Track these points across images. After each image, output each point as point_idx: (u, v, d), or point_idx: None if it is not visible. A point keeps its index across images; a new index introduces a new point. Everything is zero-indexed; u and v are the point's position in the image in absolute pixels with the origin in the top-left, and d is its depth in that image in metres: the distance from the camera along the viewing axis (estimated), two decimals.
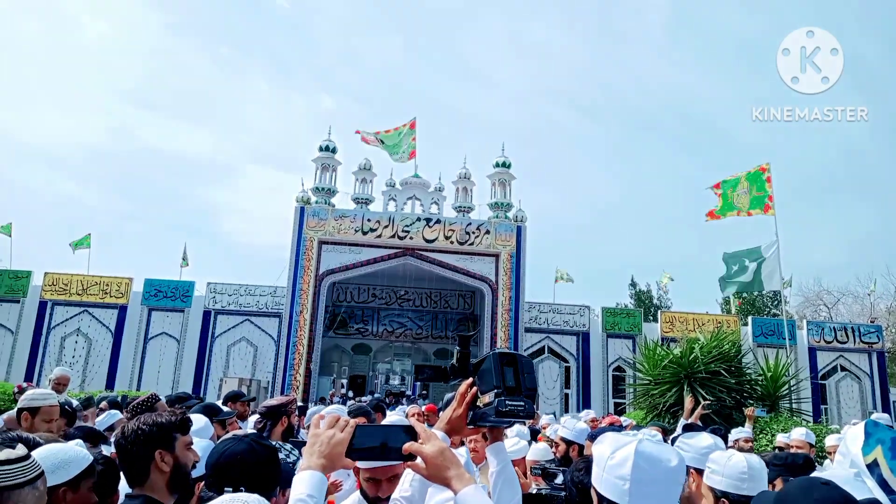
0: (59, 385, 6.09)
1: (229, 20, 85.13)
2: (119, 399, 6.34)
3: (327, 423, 1.54)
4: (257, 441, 2.14)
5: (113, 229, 67.83)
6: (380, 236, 22.38)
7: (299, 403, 10.02)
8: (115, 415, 4.80)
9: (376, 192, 23.86)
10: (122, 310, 22.16)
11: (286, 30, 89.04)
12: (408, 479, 1.91)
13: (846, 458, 2.48)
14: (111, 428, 4.48)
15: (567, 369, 23.39)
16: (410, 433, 1.53)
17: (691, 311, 24.99)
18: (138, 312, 22.19)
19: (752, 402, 10.11)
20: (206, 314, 22.50)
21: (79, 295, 22.09)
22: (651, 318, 28.46)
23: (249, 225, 79.02)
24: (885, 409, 22.06)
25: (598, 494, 1.58)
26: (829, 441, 6.54)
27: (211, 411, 4.37)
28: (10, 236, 23.22)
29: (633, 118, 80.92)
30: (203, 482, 2.29)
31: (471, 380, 1.76)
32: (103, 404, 5.87)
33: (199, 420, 3.28)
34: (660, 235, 71.19)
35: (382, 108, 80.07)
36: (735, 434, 6.26)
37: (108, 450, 3.35)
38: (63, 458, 2.12)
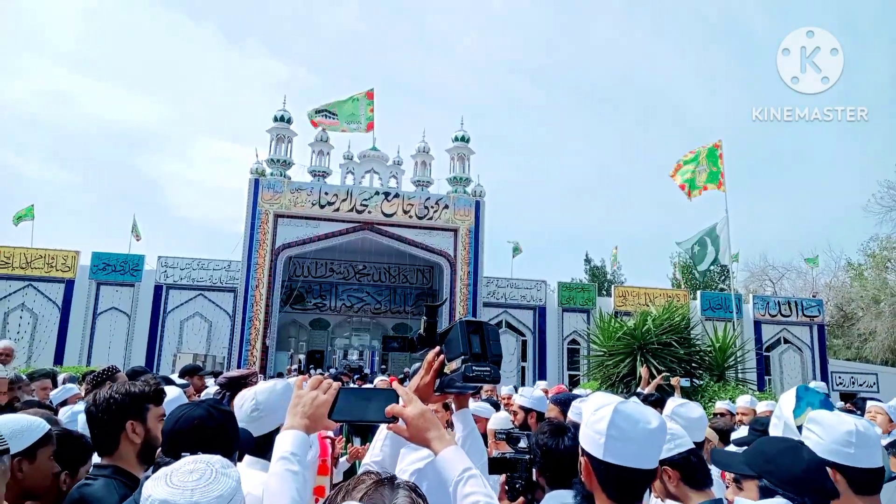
0: (4, 356, 5.87)
1: None
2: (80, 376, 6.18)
3: (310, 385, 1.56)
4: (214, 406, 2.11)
5: (56, 201, 65.29)
6: (337, 210, 22.15)
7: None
8: (72, 389, 4.68)
9: (333, 164, 23.52)
10: (70, 284, 21.42)
11: None
12: (378, 444, 1.92)
13: (780, 420, 2.63)
14: (65, 403, 4.36)
15: (524, 343, 23.78)
16: (392, 396, 1.55)
17: (643, 286, 25.63)
18: (86, 287, 21.49)
19: (700, 371, 10.49)
20: (158, 289, 21.96)
21: (22, 269, 21.25)
22: (605, 292, 29.06)
23: (201, 198, 77.10)
24: (824, 378, 23.20)
25: (581, 448, 1.66)
26: (740, 402, 6.82)
27: (165, 384, 4.30)
28: None
29: (592, 92, 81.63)
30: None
31: (438, 348, 1.79)
32: (62, 376, 5.71)
33: (172, 391, 3.23)
34: (614, 211, 72.49)
35: (338, 78, 78.82)
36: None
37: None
38: (15, 427, 2.06)
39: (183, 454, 1.85)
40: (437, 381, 1.80)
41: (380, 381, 9.04)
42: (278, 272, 22.03)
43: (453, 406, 1.94)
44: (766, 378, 23.22)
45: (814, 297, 29.28)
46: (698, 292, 25.56)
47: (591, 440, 1.60)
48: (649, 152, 75.57)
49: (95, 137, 70.75)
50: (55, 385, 5.17)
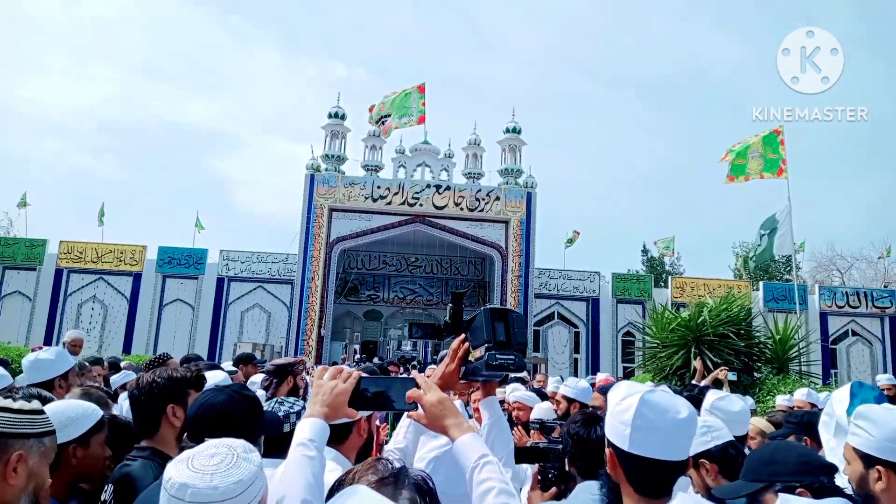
0: (74, 347, 6.22)
1: None
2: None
3: (330, 374, 1.58)
4: (238, 392, 2.11)
5: (125, 199, 68.36)
6: (390, 203, 22.37)
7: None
8: (129, 375, 4.91)
9: (386, 159, 23.78)
10: (137, 277, 22.45)
11: None
12: (402, 431, 1.95)
13: (832, 419, 2.51)
14: (124, 386, 4.59)
15: (577, 334, 23.50)
16: (411, 384, 1.57)
17: (702, 277, 24.90)
18: (153, 279, 22.48)
19: (759, 364, 10.14)
20: (220, 281, 22.76)
21: (94, 262, 22.38)
22: (662, 283, 28.42)
23: (261, 194, 79.26)
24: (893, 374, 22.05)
25: (607, 440, 1.60)
26: (797, 396, 6.43)
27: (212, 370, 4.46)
28: (25, 207, 23.53)
29: (647, 83, 79.58)
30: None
31: (463, 336, 1.78)
32: (124, 363, 6.00)
33: (217, 376, 3.32)
34: (675, 203, 70.60)
35: (392, 74, 79.45)
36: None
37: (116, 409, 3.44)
38: (71, 415, 2.15)
39: (207, 439, 1.91)
40: (462, 368, 1.79)
41: (430, 370, 9.08)
42: (333, 264, 22.45)
43: (479, 394, 1.94)
44: (833, 372, 22.24)
45: (885, 287, 27.81)
46: (761, 283, 24.67)
47: (617, 431, 1.54)
48: (710, 143, 73.24)
49: (163, 138, 73.75)
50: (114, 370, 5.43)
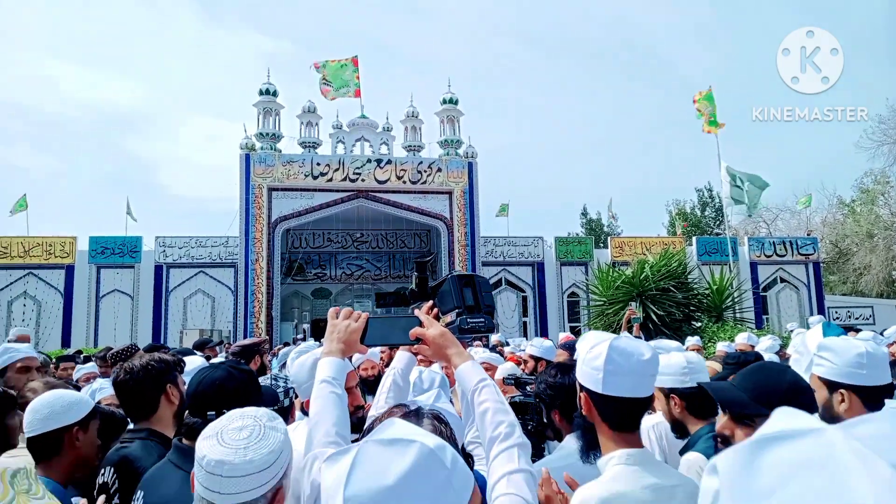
0: (22, 344, 6.01)
1: None
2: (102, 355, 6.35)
3: (343, 315, 1.71)
4: (234, 366, 2.19)
5: (47, 189, 64.81)
6: (331, 180, 22.10)
7: None
8: (90, 368, 4.83)
9: (323, 135, 23.36)
10: (70, 269, 21.50)
11: None
12: (382, 398, 2.06)
13: (803, 356, 2.75)
14: (88, 378, 4.51)
15: (524, 298, 24.03)
16: (415, 321, 1.69)
17: (639, 236, 25.78)
18: (86, 271, 21.58)
19: (699, 314, 10.70)
20: (158, 268, 22.06)
21: (21, 257, 21.29)
22: (602, 245, 29.23)
23: (194, 176, 76.57)
24: (822, 314, 23.55)
25: (580, 385, 1.74)
26: (739, 339, 7.02)
27: (187, 356, 4.46)
28: None
29: (580, 48, 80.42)
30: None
31: (431, 302, 1.84)
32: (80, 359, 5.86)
33: (194, 361, 3.36)
34: (609, 165, 72.23)
35: (321, 47, 77.47)
36: (686, 342, 6.70)
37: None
38: (71, 400, 2.21)
39: (209, 414, 1.96)
40: None
41: None
42: (276, 245, 22.10)
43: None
44: (764, 317, 23.57)
45: (808, 235, 29.53)
46: (694, 238, 25.75)
47: (590, 376, 1.67)
48: (641, 105, 74.96)
49: (81, 122, 70.00)
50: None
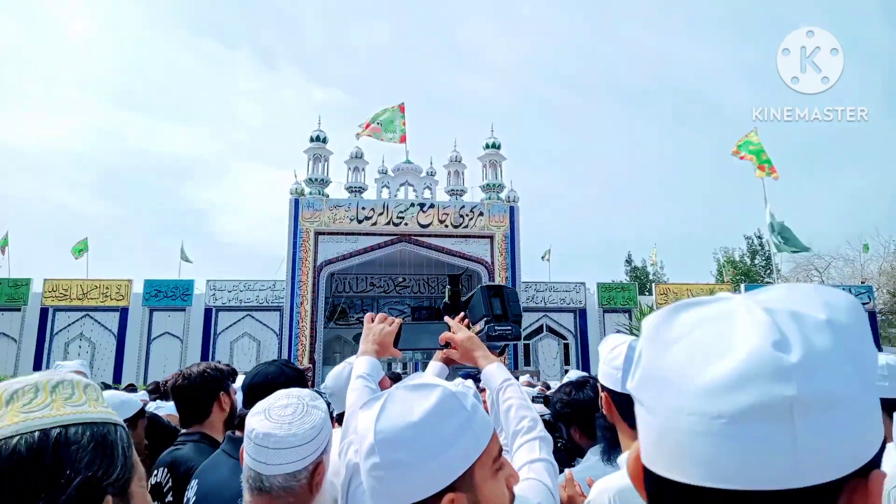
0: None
1: (211, 12, 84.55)
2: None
3: (378, 319, 1.84)
4: (286, 364, 2.36)
5: (107, 233, 67.88)
6: (375, 224, 22.57)
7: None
8: (143, 395, 5.06)
9: (369, 180, 24.03)
10: (124, 312, 22.32)
11: (270, 20, 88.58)
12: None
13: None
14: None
15: (566, 346, 23.73)
16: (444, 327, 1.80)
17: (685, 283, 25.34)
18: (140, 313, 22.37)
19: None
20: (208, 311, 22.70)
21: (79, 300, 22.23)
22: (647, 292, 28.80)
23: (244, 222, 79.04)
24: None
25: (601, 385, 1.84)
26: None
27: None
28: (6, 246, 23.35)
29: (624, 93, 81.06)
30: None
31: (462, 314, 1.95)
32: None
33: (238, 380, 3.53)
34: (655, 211, 71.59)
35: (370, 95, 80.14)
36: None
37: None
38: (122, 398, 2.46)
39: None
40: None
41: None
42: (321, 289, 22.52)
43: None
44: None
45: (862, 283, 28.49)
46: (742, 286, 25.16)
47: (610, 376, 1.77)
48: (686, 149, 74.56)
49: (141, 170, 73.54)
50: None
